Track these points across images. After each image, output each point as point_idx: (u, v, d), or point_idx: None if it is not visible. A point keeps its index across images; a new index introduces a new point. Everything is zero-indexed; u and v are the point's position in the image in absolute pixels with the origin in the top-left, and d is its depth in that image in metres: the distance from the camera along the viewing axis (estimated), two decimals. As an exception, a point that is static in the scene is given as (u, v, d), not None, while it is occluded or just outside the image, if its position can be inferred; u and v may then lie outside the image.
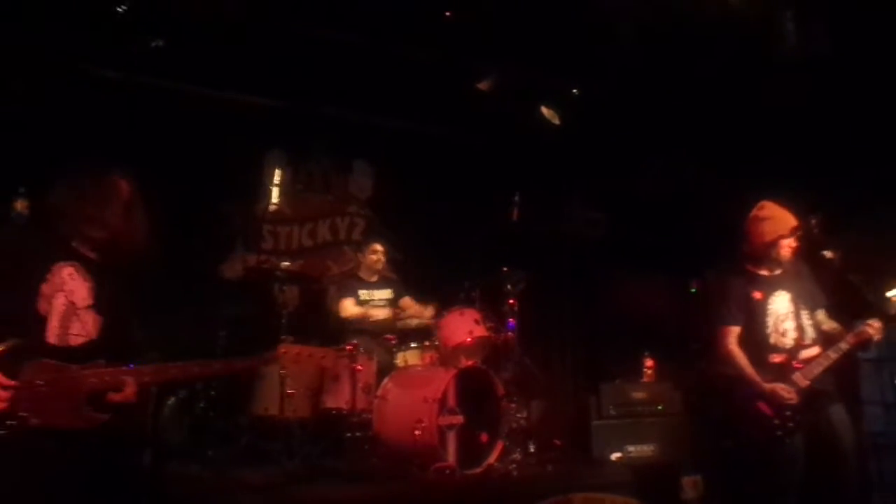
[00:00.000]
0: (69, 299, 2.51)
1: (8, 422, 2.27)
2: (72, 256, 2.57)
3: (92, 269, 2.60)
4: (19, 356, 2.33)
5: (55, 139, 4.74)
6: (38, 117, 4.88)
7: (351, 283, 5.72)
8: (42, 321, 2.45)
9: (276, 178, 5.61)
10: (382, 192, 6.82)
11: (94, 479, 2.52)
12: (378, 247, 5.61)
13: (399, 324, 5.26)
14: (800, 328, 3.68)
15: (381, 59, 5.59)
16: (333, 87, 5.95)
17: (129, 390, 2.47)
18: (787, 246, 3.68)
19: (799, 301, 3.71)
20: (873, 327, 3.52)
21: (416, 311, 5.50)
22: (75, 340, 2.50)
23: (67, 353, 2.44)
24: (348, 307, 5.46)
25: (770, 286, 3.73)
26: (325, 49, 5.47)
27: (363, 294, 5.56)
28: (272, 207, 5.75)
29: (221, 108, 5.88)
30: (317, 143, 6.60)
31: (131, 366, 2.54)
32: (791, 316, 3.70)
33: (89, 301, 2.57)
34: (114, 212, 2.59)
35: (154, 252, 2.71)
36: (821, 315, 3.77)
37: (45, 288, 2.47)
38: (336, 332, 5.40)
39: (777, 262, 3.73)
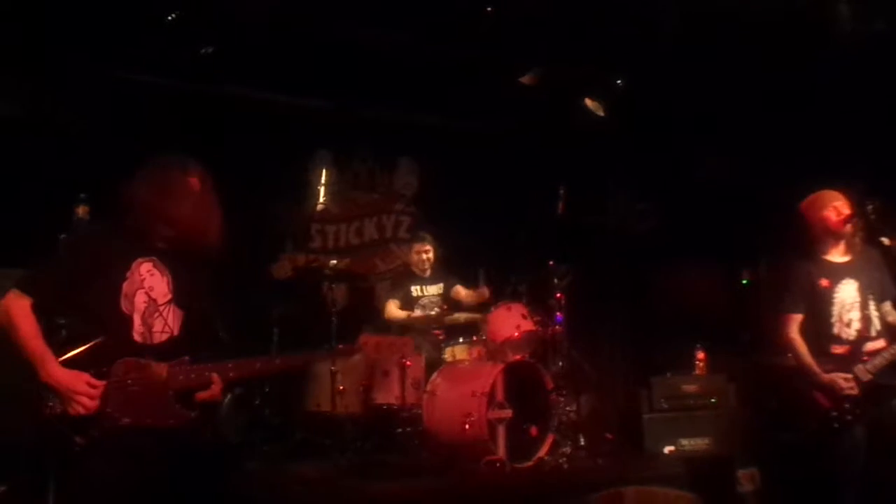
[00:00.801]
0: (150, 296, 2.50)
1: (101, 423, 2.30)
2: (150, 251, 2.54)
3: (170, 263, 2.58)
4: (107, 356, 2.35)
5: (112, 146, 4.90)
6: (96, 124, 5.06)
7: (402, 280, 5.76)
8: (127, 320, 2.44)
9: (323, 178, 5.71)
10: (428, 188, 6.86)
11: (185, 476, 2.49)
12: (425, 246, 5.62)
13: (447, 319, 5.29)
14: (865, 319, 3.54)
15: (424, 56, 5.61)
16: (377, 86, 5.99)
17: (216, 388, 2.47)
18: (838, 211, 3.55)
19: (867, 291, 3.57)
20: None
21: (469, 296, 5.45)
22: (159, 338, 2.50)
23: (153, 351, 2.45)
24: (392, 309, 5.51)
25: (838, 274, 3.59)
26: (368, 48, 5.52)
27: (415, 290, 5.58)
28: (319, 207, 5.86)
29: (268, 111, 5.99)
30: (362, 142, 6.68)
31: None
32: (857, 306, 3.56)
33: (169, 296, 2.55)
34: (193, 204, 2.55)
35: (224, 248, 2.67)
36: (888, 307, 3.62)
37: (127, 286, 2.46)
38: (384, 328, 5.46)
39: (838, 235, 3.59)
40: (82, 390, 2.27)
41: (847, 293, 3.57)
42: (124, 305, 2.44)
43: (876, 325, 3.55)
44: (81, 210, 3.83)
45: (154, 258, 2.54)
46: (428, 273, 5.64)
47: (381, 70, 5.77)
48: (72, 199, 3.94)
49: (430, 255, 5.60)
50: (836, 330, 3.55)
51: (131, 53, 5.19)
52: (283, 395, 5.11)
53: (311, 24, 5.20)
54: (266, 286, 5.97)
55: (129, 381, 2.36)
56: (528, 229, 5.91)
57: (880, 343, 3.52)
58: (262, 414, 5.07)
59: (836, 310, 3.56)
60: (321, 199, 5.79)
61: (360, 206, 6.76)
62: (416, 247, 5.64)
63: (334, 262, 5.50)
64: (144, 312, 2.48)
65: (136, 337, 2.45)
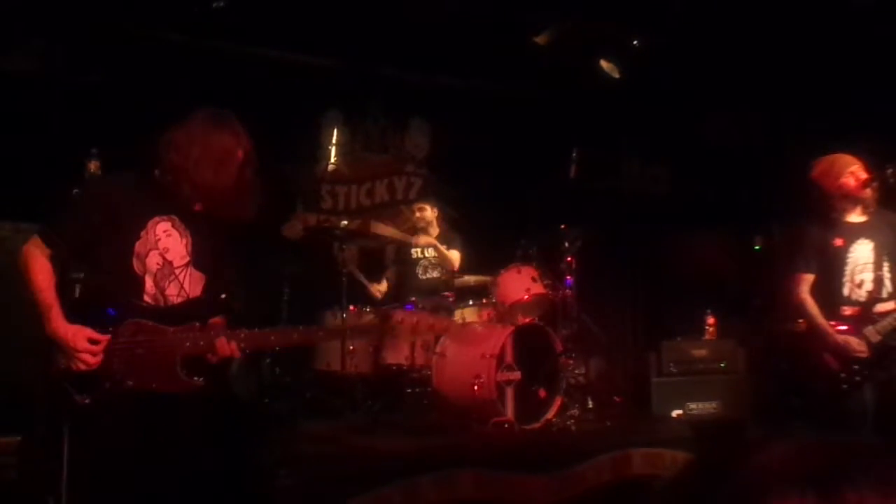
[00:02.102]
0: (164, 258, 2.40)
1: (104, 383, 2.25)
2: (170, 209, 2.42)
3: (191, 223, 2.47)
4: (119, 315, 2.30)
5: (123, 102, 4.88)
6: (107, 80, 5.03)
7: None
8: (138, 281, 2.36)
9: (334, 139, 5.67)
10: (439, 150, 6.81)
11: (188, 444, 2.43)
12: (422, 205, 5.59)
13: (457, 281, 5.29)
14: (878, 280, 3.49)
15: (436, 15, 5.52)
16: (389, 45, 5.91)
17: (224, 350, 2.36)
18: (856, 177, 3.49)
19: (882, 252, 3.51)
20: None
21: (442, 255, 5.42)
22: (171, 301, 2.41)
23: (163, 314, 2.37)
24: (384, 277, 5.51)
25: (853, 233, 3.54)
26: (380, 6, 5.43)
27: (415, 252, 5.59)
28: (330, 168, 5.83)
29: (279, 70, 5.93)
30: (373, 103, 6.61)
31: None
32: (870, 266, 3.50)
33: (187, 258, 2.45)
34: (232, 176, 2.43)
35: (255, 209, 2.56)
36: None
37: (139, 246, 2.37)
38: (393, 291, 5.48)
39: (857, 199, 3.53)
40: (82, 347, 2.22)
41: (861, 253, 3.52)
42: (136, 266, 2.36)
43: (888, 286, 3.51)
44: (93, 165, 3.82)
45: (174, 217, 2.43)
46: (434, 234, 5.62)
47: (393, 29, 5.68)
48: (84, 153, 3.93)
49: (427, 215, 5.56)
50: (846, 291, 3.52)
51: (142, 8, 5.13)
52: (293, 354, 5.14)
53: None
54: (277, 246, 5.97)
55: (136, 344, 2.30)
56: (539, 192, 5.87)
57: (891, 304, 3.49)
58: (272, 373, 5.12)
59: (848, 269, 3.52)
60: (332, 160, 5.74)
61: (372, 168, 6.73)
62: (415, 206, 5.63)
63: (345, 223, 5.49)
64: (157, 274, 2.38)
65: (147, 299, 2.37)
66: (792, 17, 4.99)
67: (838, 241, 3.52)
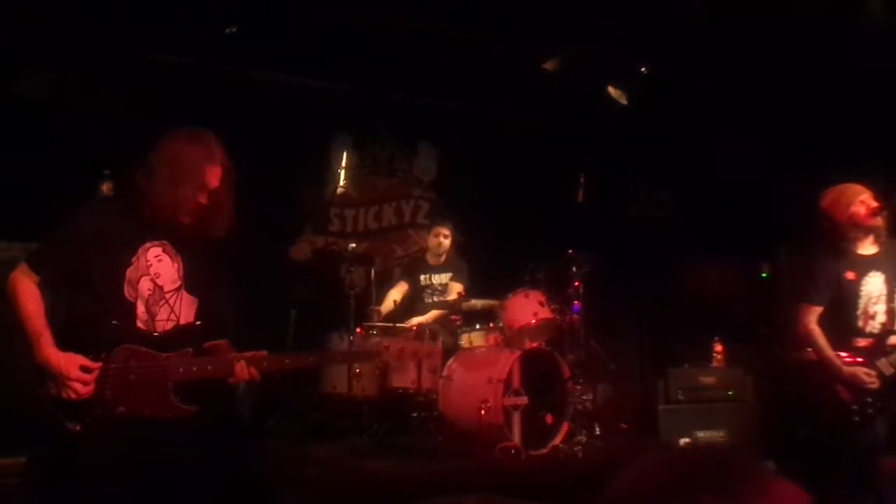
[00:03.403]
0: (156, 283, 2.39)
1: (95, 410, 2.21)
2: (161, 235, 2.41)
3: (181, 248, 2.45)
4: (110, 341, 2.27)
5: (136, 125, 4.93)
6: (120, 104, 5.10)
7: (415, 266, 5.79)
8: (130, 306, 2.34)
9: (343, 162, 5.71)
10: (447, 174, 6.84)
11: (185, 470, 2.39)
12: (443, 230, 5.61)
13: (464, 305, 5.29)
14: (890, 312, 3.48)
15: (445, 40, 5.58)
16: (398, 70, 5.98)
17: (243, 375, 2.35)
18: (867, 205, 3.49)
19: (894, 283, 3.51)
20: None
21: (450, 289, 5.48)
22: (163, 326, 2.39)
23: (155, 340, 2.35)
24: (392, 294, 5.53)
25: (865, 266, 3.53)
26: (389, 32, 5.50)
27: (423, 279, 5.61)
28: (339, 190, 5.87)
29: (289, 93, 6.00)
30: (382, 126, 6.67)
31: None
32: (883, 299, 3.49)
33: (178, 282, 2.43)
34: (212, 171, 2.40)
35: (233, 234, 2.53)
36: None
37: (131, 272, 2.35)
38: (395, 313, 5.47)
39: (868, 229, 3.53)
40: (75, 375, 2.18)
41: (874, 286, 3.51)
42: (128, 291, 2.34)
43: None
44: (106, 187, 3.86)
45: (164, 242, 2.42)
46: (442, 259, 5.64)
47: (402, 54, 5.75)
48: (96, 175, 3.97)
49: (448, 240, 5.59)
50: (860, 323, 3.51)
51: (155, 34, 5.21)
52: (300, 376, 5.13)
53: (334, 5, 5.18)
54: (285, 268, 6.00)
55: (129, 370, 2.26)
56: (547, 217, 5.89)
57: None
58: (278, 394, 5.10)
59: (862, 302, 3.51)
60: (341, 183, 5.79)
61: (380, 191, 6.77)
62: (436, 230, 5.63)
63: (353, 245, 5.52)
64: (149, 300, 2.37)
65: (140, 324, 2.35)
66: (800, 46, 5.03)
67: (851, 275, 3.50)
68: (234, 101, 5.61)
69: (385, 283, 6.38)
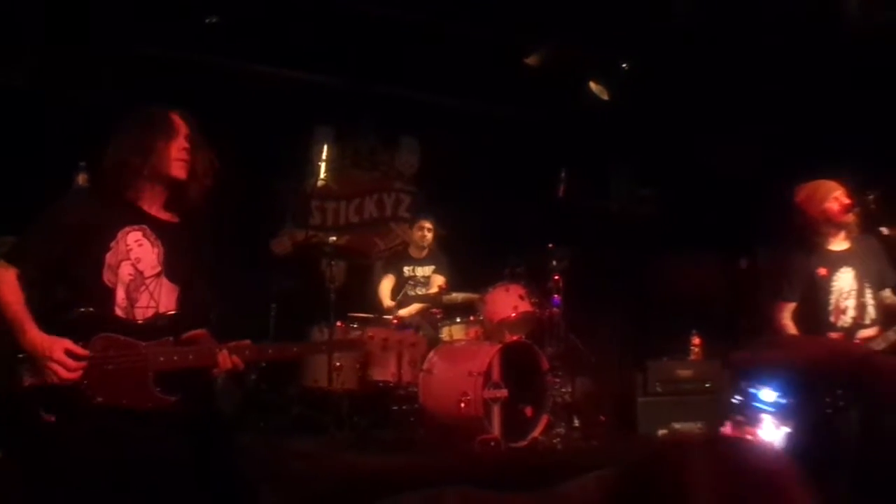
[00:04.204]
0: (136, 268, 2.34)
1: (72, 400, 2.16)
2: (139, 219, 2.37)
3: (163, 234, 2.41)
4: (89, 329, 2.22)
5: (112, 116, 4.88)
6: (97, 94, 5.04)
7: (397, 259, 5.80)
8: (109, 292, 2.30)
9: (324, 155, 5.70)
10: (429, 167, 6.84)
11: (164, 461, 2.31)
12: (427, 223, 5.64)
13: (445, 299, 5.31)
14: (861, 307, 3.54)
15: (428, 34, 5.58)
16: (381, 63, 5.97)
17: (226, 364, 2.31)
18: (840, 202, 3.55)
19: (864, 279, 3.57)
20: None
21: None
22: (143, 313, 2.34)
23: (135, 329, 2.30)
24: (384, 290, 5.55)
25: (837, 262, 3.59)
26: (372, 25, 5.49)
27: (407, 270, 5.63)
28: (320, 183, 5.85)
29: (270, 85, 5.96)
30: (364, 120, 6.65)
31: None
32: (854, 294, 3.56)
33: (158, 268, 2.39)
34: (174, 146, 2.36)
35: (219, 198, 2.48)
36: (887, 293, 3.60)
37: (111, 257, 2.31)
38: (380, 306, 5.49)
39: (840, 225, 3.59)
40: (58, 357, 2.13)
41: (844, 281, 3.58)
42: (107, 277, 2.30)
43: (871, 313, 3.56)
44: (82, 178, 3.81)
45: (144, 227, 2.38)
46: (425, 253, 5.67)
47: (385, 47, 5.73)
48: (72, 167, 3.92)
49: (431, 234, 5.63)
50: (832, 318, 3.57)
51: (135, 23, 5.15)
52: (280, 370, 5.13)
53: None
54: (265, 261, 5.97)
55: (107, 359, 2.20)
56: (527, 211, 5.91)
57: (873, 331, 3.53)
58: (258, 388, 5.09)
59: (833, 298, 3.57)
60: (322, 176, 5.77)
61: (361, 184, 6.76)
62: (419, 223, 5.65)
63: (333, 239, 5.51)
64: (129, 285, 2.32)
65: (119, 311, 2.30)
66: (780, 43, 5.08)
67: (822, 271, 3.57)
68: (214, 92, 5.56)
69: (366, 277, 6.39)
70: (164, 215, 2.44)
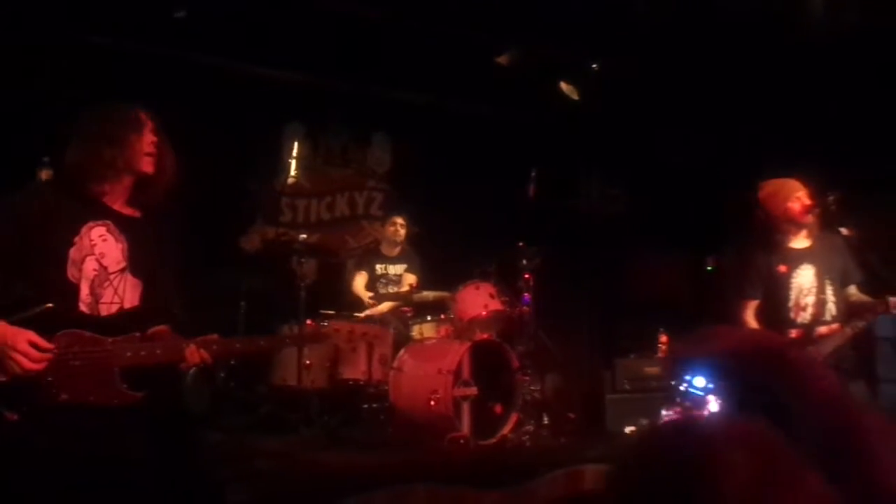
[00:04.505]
0: (101, 263, 2.31)
1: (35, 397, 2.11)
2: (103, 214, 2.34)
3: (126, 228, 2.37)
4: (52, 325, 2.17)
5: (77, 109, 4.79)
6: (61, 89, 4.95)
7: (370, 256, 5.79)
8: (73, 288, 2.26)
9: (295, 152, 5.67)
10: (401, 165, 6.84)
11: (131, 459, 2.30)
12: (398, 219, 5.63)
13: (416, 297, 5.32)
14: (820, 303, 3.60)
15: (400, 32, 5.58)
16: (352, 60, 5.95)
17: (194, 358, 2.29)
18: (801, 202, 3.63)
19: (825, 276, 3.63)
20: (890, 302, 3.44)
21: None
22: (107, 309, 2.31)
23: (100, 324, 2.26)
24: (358, 285, 5.54)
25: (797, 260, 3.66)
26: (344, 22, 5.47)
27: (379, 268, 5.63)
28: (291, 181, 5.82)
29: (241, 81, 5.91)
30: (336, 117, 6.62)
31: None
32: (814, 290, 3.62)
33: (122, 263, 2.35)
34: (144, 140, 2.35)
35: (184, 194, 2.46)
36: (852, 290, 3.66)
37: (74, 253, 2.27)
38: (351, 304, 5.48)
39: (800, 225, 3.67)
40: (22, 348, 2.07)
41: (804, 278, 3.65)
42: (71, 273, 2.26)
43: (831, 309, 3.62)
44: (45, 174, 3.74)
45: (108, 222, 2.34)
46: (397, 251, 5.67)
47: (356, 44, 5.72)
48: (35, 162, 3.85)
49: (404, 230, 5.62)
50: (792, 314, 3.64)
51: (100, 15, 5.06)
52: (249, 368, 5.10)
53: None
54: (234, 259, 5.92)
55: (71, 355, 2.16)
56: (499, 210, 5.95)
57: (833, 327, 3.58)
58: (227, 387, 5.06)
59: (793, 294, 3.65)
60: (292, 173, 5.75)
61: (333, 182, 6.73)
62: (392, 219, 5.65)
63: (304, 236, 5.48)
64: (94, 280, 2.29)
65: (83, 307, 2.26)
66: (745, 46, 5.17)
67: (782, 268, 3.65)
68: (183, 86, 5.50)
69: (337, 275, 6.37)
70: (128, 210, 2.41)
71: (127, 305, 2.36)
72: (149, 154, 2.36)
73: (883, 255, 3.52)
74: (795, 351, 1.09)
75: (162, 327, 2.44)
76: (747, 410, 1.05)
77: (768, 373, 1.05)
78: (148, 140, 2.37)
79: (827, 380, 1.03)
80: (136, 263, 2.39)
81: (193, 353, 2.32)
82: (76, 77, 5.09)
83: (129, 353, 2.25)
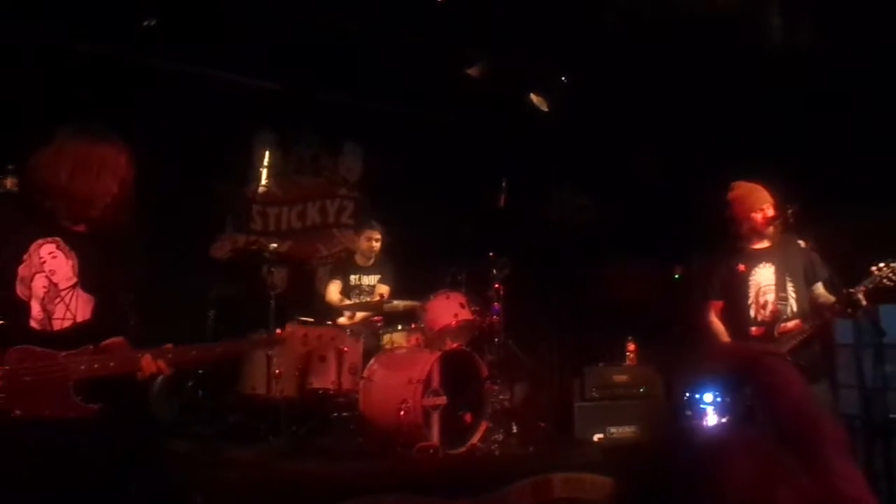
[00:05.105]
0: (51, 280, 2.31)
1: None
2: (53, 231, 2.35)
3: (76, 244, 2.38)
4: (2, 342, 2.17)
5: (45, 116, 4.74)
6: (29, 94, 4.88)
7: (344, 265, 5.78)
8: (23, 305, 2.26)
9: (266, 160, 5.66)
10: (372, 174, 6.85)
11: (91, 471, 2.32)
12: (374, 233, 5.63)
13: (386, 306, 5.33)
14: (780, 300, 3.67)
15: (373, 42, 5.60)
16: (324, 69, 5.95)
17: (150, 367, 2.31)
18: (765, 215, 3.71)
19: (785, 273, 3.69)
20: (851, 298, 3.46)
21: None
22: (60, 324, 2.31)
23: (52, 339, 2.26)
24: (333, 292, 5.54)
25: (755, 259, 3.75)
26: (316, 32, 5.48)
27: (353, 279, 5.63)
28: (262, 189, 5.80)
29: (212, 89, 5.88)
30: (307, 125, 6.61)
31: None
32: (773, 288, 3.69)
33: (73, 279, 2.36)
34: (107, 183, 2.36)
35: (139, 222, 2.47)
36: (819, 289, 3.71)
37: (23, 269, 2.27)
38: (323, 313, 5.47)
39: (762, 234, 3.75)
40: None
41: (763, 276, 3.73)
42: (20, 290, 2.26)
43: (792, 306, 3.67)
44: (9, 182, 3.70)
45: (58, 239, 2.35)
46: (371, 262, 5.67)
47: (328, 53, 5.73)
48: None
49: (379, 243, 5.63)
50: (752, 312, 3.72)
51: (74, 22, 5.02)
52: (217, 377, 5.06)
53: (260, 4, 5.12)
54: (204, 267, 5.88)
55: (23, 371, 2.16)
56: (469, 219, 5.98)
57: (794, 323, 3.64)
58: (195, 396, 5.01)
59: (752, 292, 3.73)
60: (263, 182, 5.73)
61: (304, 190, 6.71)
62: (367, 233, 5.64)
63: (274, 245, 5.47)
64: (44, 298, 2.29)
65: (34, 324, 2.26)
66: (710, 62, 5.29)
67: (741, 267, 3.74)
68: (154, 94, 5.46)
69: (308, 283, 6.36)
70: (78, 226, 2.41)
71: (80, 320, 2.36)
72: (108, 201, 2.37)
73: (836, 266, 3.62)
74: (768, 359, 1.15)
75: (116, 339, 2.44)
76: (750, 420, 1.11)
77: (744, 380, 1.12)
78: (112, 183, 2.38)
79: (795, 387, 1.08)
80: (87, 279, 2.39)
81: (149, 363, 2.33)
82: (46, 83, 5.02)
83: (82, 367, 2.25)
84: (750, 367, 1.10)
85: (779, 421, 1.05)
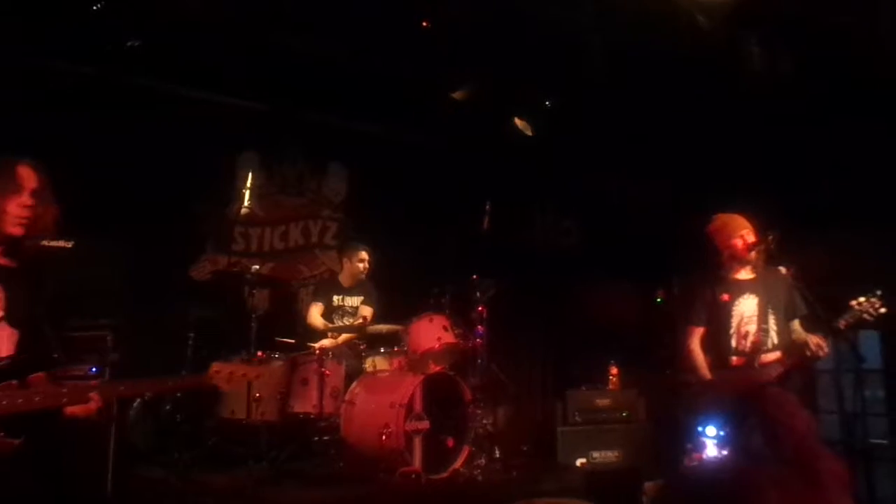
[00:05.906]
0: None
1: None
2: None
3: (5, 277, 2.38)
4: None
5: (32, 137, 4.69)
6: (15, 112, 4.83)
7: (326, 286, 5.74)
8: None
9: (249, 181, 5.62)
10: (356, 195, 6.84)
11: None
12: (364, 254, 5.60)
13: (369, 329, 5.29)
14: (761, 332, 3.72)
15: (358, 65, 5.62)
16: (309, 91, 5.96)
17: (84, 407, 2.31)
18: (745, 241, 3.76)
19: (768, 306, 3.75)
20: (815, 345, 3.52)
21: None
22: None
23: None
24: (314, 315, 5.49)
25: (739, 289, 3.80)
26: (301, 55, 5.49)
27: (336, 299, 5.58)
28: (244, 210, 5.75)
29: (195, 109, 5.86)
30: (291, 146, 6.60)
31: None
32: (755, 319, 3.74)
33: (1, 313, 2.35)
34: (22, 202, 2.37)
35: (63, 245, 2.53)
36: (795, 324, 3.77)
37: None
38: (305, 335, 5.42)
39: (743, 261, 3.80)
40: None
41: (746, 307, 3.78)
42: None
43: (773, 338, 3.73)
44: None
45: None
46: (354, 282, 5.63)
47: (313, 76, 5.74)
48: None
49: (366, 264, 5.60)
50: (734, 342, 3.76)
51: (58, 41, 4.99)
52: (196, 401, 4.98)
53: (243, 25, 5.13)
54: (184, 288, 5.81)
55: None
56: (453, 242, 5.99)
57: (775, 355, 3.71)
58: (172, 420, 4.92)
59: (734, 322, 3.77)
60: (246, 202, 5.69)
61: (287, 210, 6.68)
62: (356, 254, 5.60)
63: (256, 266, 5.41)
64: None
65: None
66: (695, 88, 5.37)
67: (725, 297, 3.78)
68: (139, 115, 5.43)
69: (290, 305, 6.30)
70: (3, 260, 2.40)
71: (3, 354, 2.33)
72: (19, 217, 2.36)
73: (814, 291, 3.66)
74: (774, 391, 1.16)
75: (40, 374, 2.40)
76: (749, 453, 1.12)
77: (749, 412, 1.14)
78: (22, 202, 2.37)
79: (800, 420, 1.09)
80: (14, 313, 2.37)
81: (74, 399, 2.31)
82: (32, 103, 4.98)
83: (5, 402, 2.22)
84: (755, 399, 1.11)
85: (782, 453, 1.06)
